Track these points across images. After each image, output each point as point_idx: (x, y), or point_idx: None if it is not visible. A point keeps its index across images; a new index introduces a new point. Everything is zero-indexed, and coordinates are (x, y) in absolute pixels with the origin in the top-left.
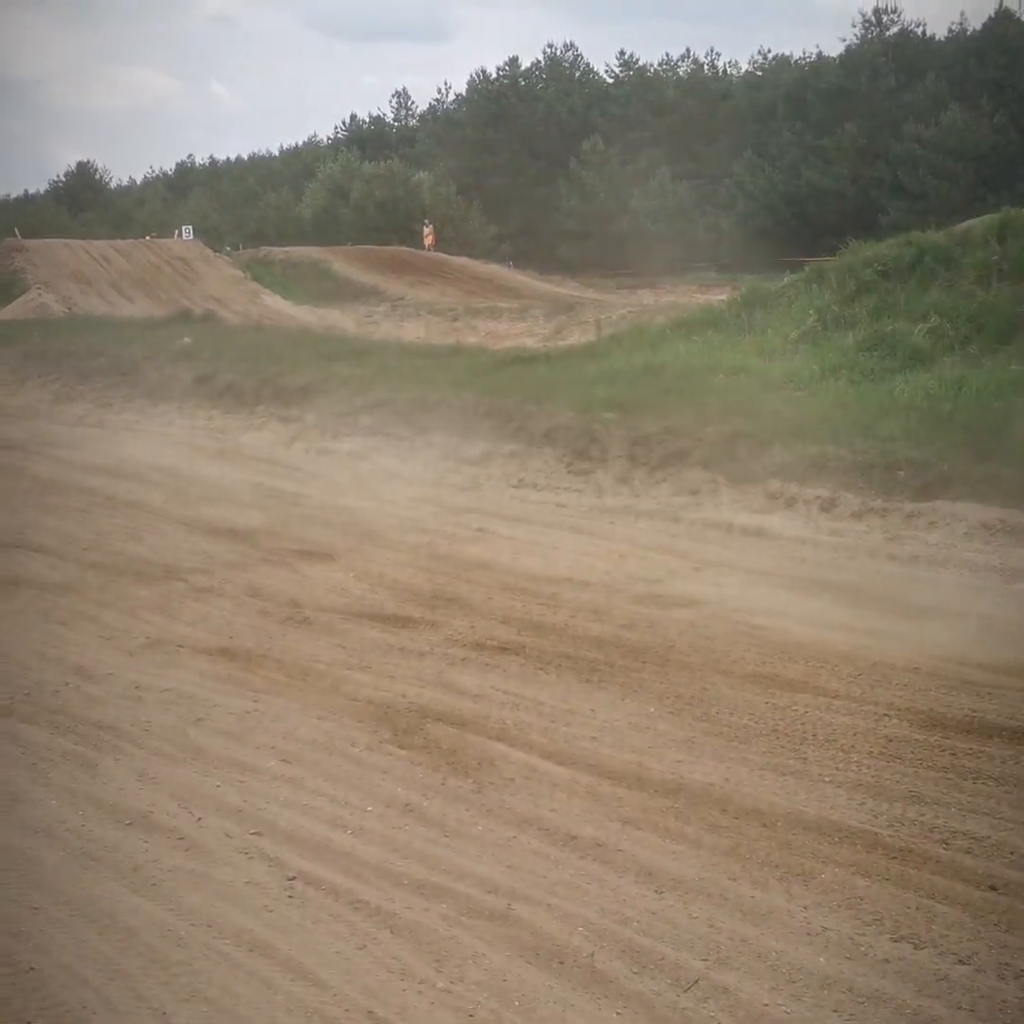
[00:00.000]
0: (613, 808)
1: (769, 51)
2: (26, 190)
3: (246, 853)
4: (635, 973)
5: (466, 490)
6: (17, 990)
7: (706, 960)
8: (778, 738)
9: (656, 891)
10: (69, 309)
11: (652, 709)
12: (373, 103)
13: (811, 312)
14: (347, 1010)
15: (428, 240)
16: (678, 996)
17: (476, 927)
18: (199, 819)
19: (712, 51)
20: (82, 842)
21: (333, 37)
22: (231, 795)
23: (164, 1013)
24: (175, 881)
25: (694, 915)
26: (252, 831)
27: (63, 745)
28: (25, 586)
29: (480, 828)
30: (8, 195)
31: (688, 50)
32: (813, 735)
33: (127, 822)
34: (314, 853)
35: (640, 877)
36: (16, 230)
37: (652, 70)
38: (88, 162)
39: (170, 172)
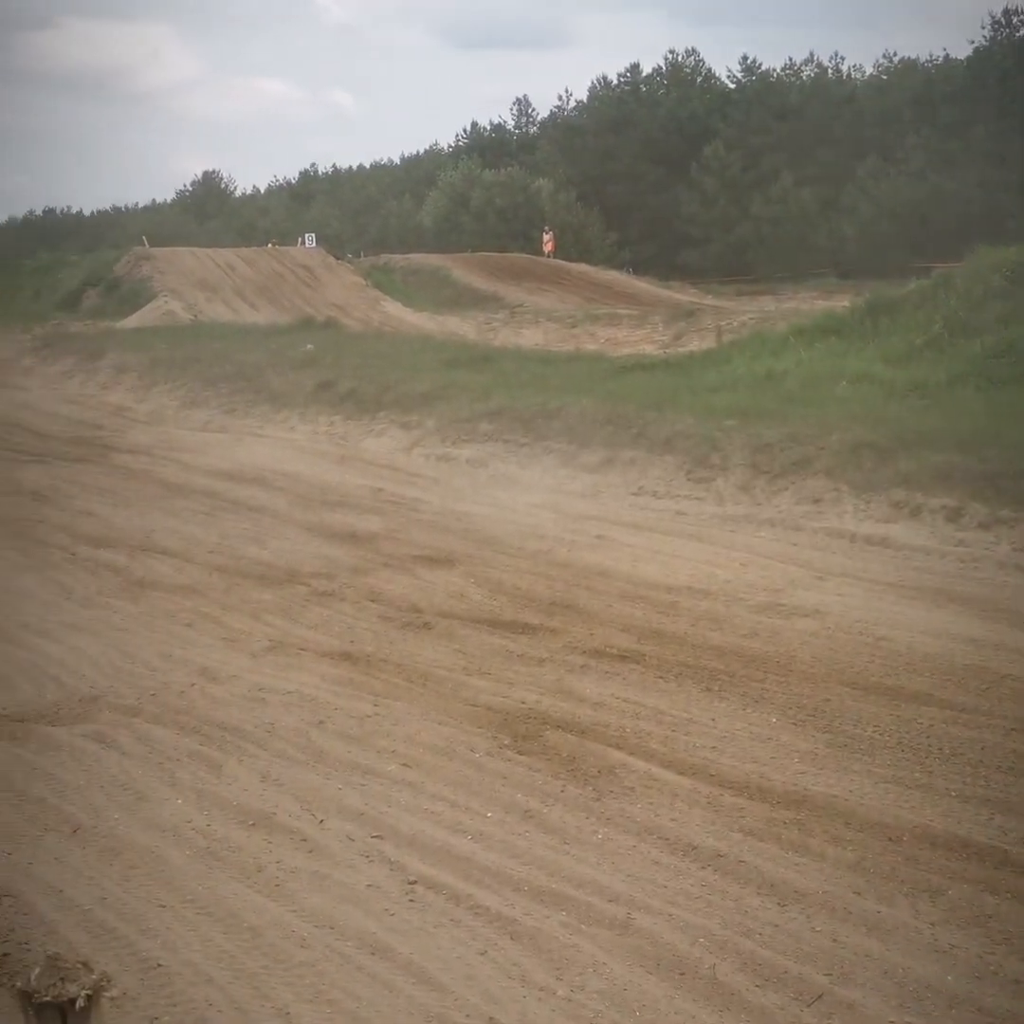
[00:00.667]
0: (735, 819)
1: (895, 54)
2: (154, 199)
3: (367, 856)
4: (757, 987)
5: (585, 497)
6: (145, 986)
7: (830, 975)
8: (903, 751)
9: (779, 904)
10: (195, 316)
11: (774, 720)
12: (494, 111)
13: (937, 319)
14: (468, 1016)
15: (547, 247)
16: (801, 1011)
17: (597, 936)
18: (321, 821)
19: (836, 55)
20: (207, 841)
21: (455, 46)
22: (352, 798)
23: (288, 1013)
24: (298, 882)
25: (817, 929)
26: (373, 834)
27: (189, 745)
28: (151, 588)
29: (600, 836)
30: (136, 204)
31: (812, 54)
32: (939, 749)
33: (251, 823)
34: (434, 858)
35: (762, 889)
36: (144, 238)
37: (775, 75)
38: (214, 171)
39: (293, 180)
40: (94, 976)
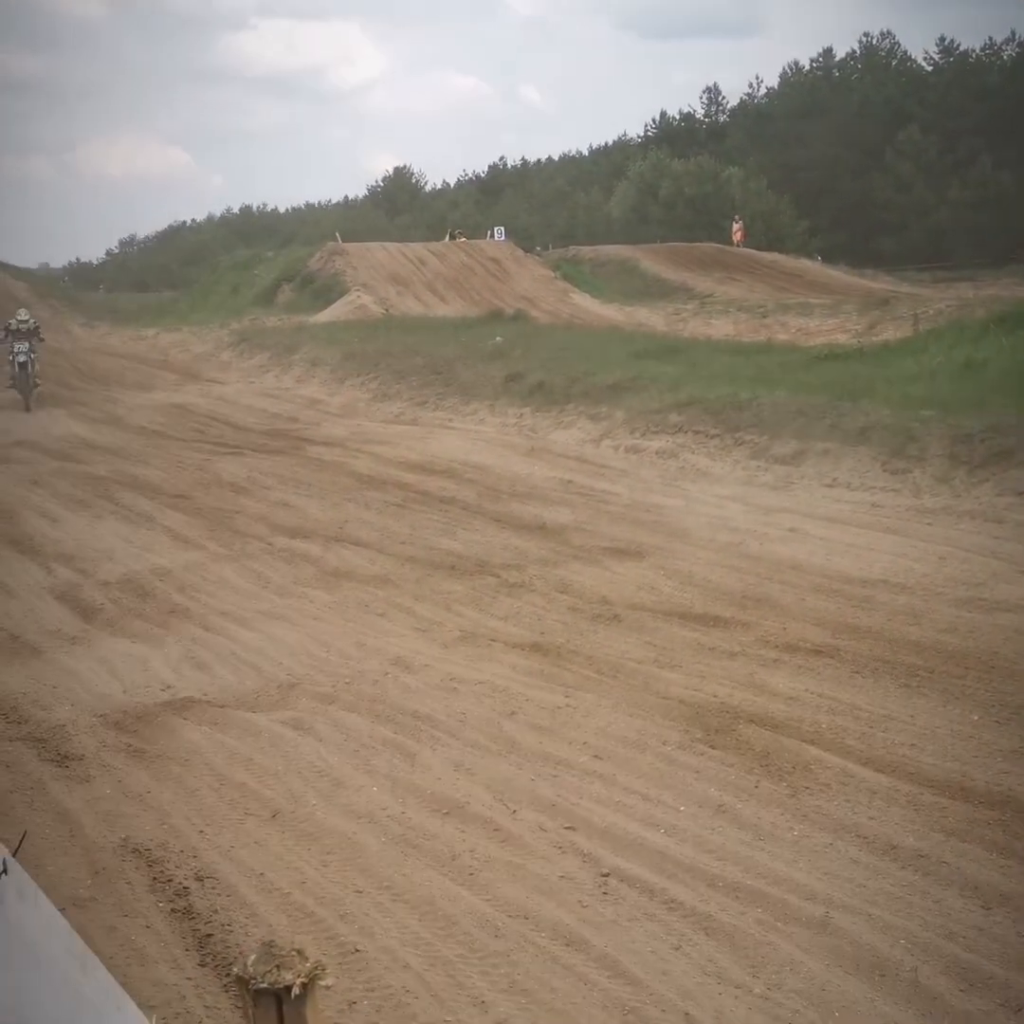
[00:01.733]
0: (936, 818)
1: None
2: (346, 195)
3: (560, 847)
4: (962, 991)
5: (777, 489)
6: (343, 970)
7: None
8: None
9: (983, 906)
10: (386, 310)
11: (976, 717)
12: (683, 100)
13: None
14: (663, 1011)
15: (737, 236)
16: (1007, 1018)
17: (793, 934)
18: (514, 812)
19: None
20: (402, 829)
21: (643, 36)
22: (544, 789)
23: (483, 1001)
24: (492, 872)
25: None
26: (566, 826)
27: (383, 733)
28: (346, 578)
29: (795, 833)
30: (329, 200)
31: (1013, 32)
32: None
33: (445, 811)
34: (627, 850)
35: (965, 891)
36: (337, 234)
37: (974, 55)
38: (404, 167)
39: (482, 174)
40: (310, 964)
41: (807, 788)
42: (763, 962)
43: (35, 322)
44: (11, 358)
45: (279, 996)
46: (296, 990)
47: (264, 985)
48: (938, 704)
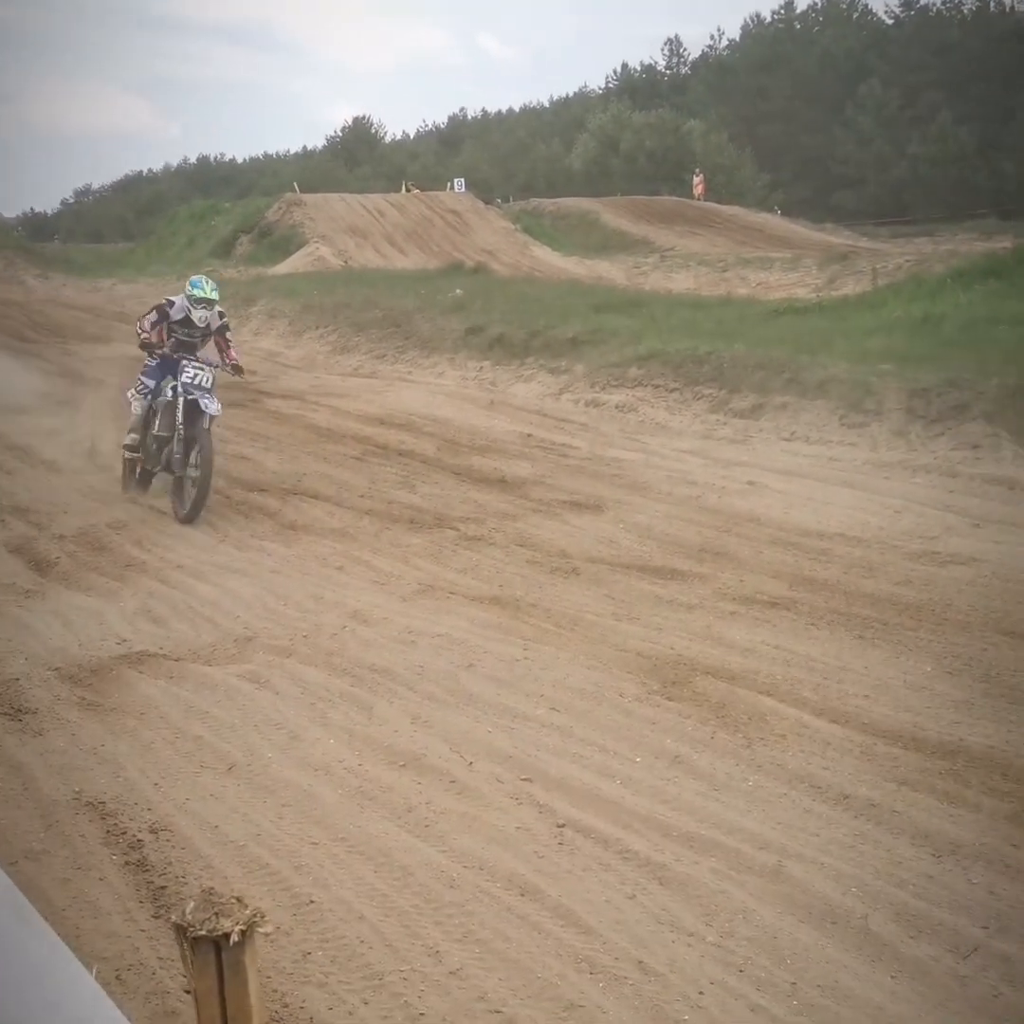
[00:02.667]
0: (888, 768)
1: None
2: (304, 146)
3: (516, 799)
4: (911, 938)
5: (736, 443)
6: (298, 921)
7: (986, 928)
8: None
9: (933, 855)
10: (345, 262)
11: (929, 668)
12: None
13: None
14: (617, 959)
15: (698, 189)
16: (957, 963)
17: (746, 882)
18: (470, 763)
19: None
20: (359, 781)
21: None
22: (501, 741)
23: (437, 951)
24: (448, 823)
25: (973, 881)
26: (522, 777)
27: (340, 686)
28: (304, 531)
29: (750, 783)
30: (288, 151)
31: None
32: None
33: (401, 763)
34: (583, 801)
35: (916, 840)
36: (295, 185)
37: (934, 9)
38: (364, 117)
39: (443, 126)
40: (248, 911)
41: (762, 739)
42: (716, 910)
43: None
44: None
45: (218, 943)
46: (234, 937)
47: (202, 932)
48: (891, 656)
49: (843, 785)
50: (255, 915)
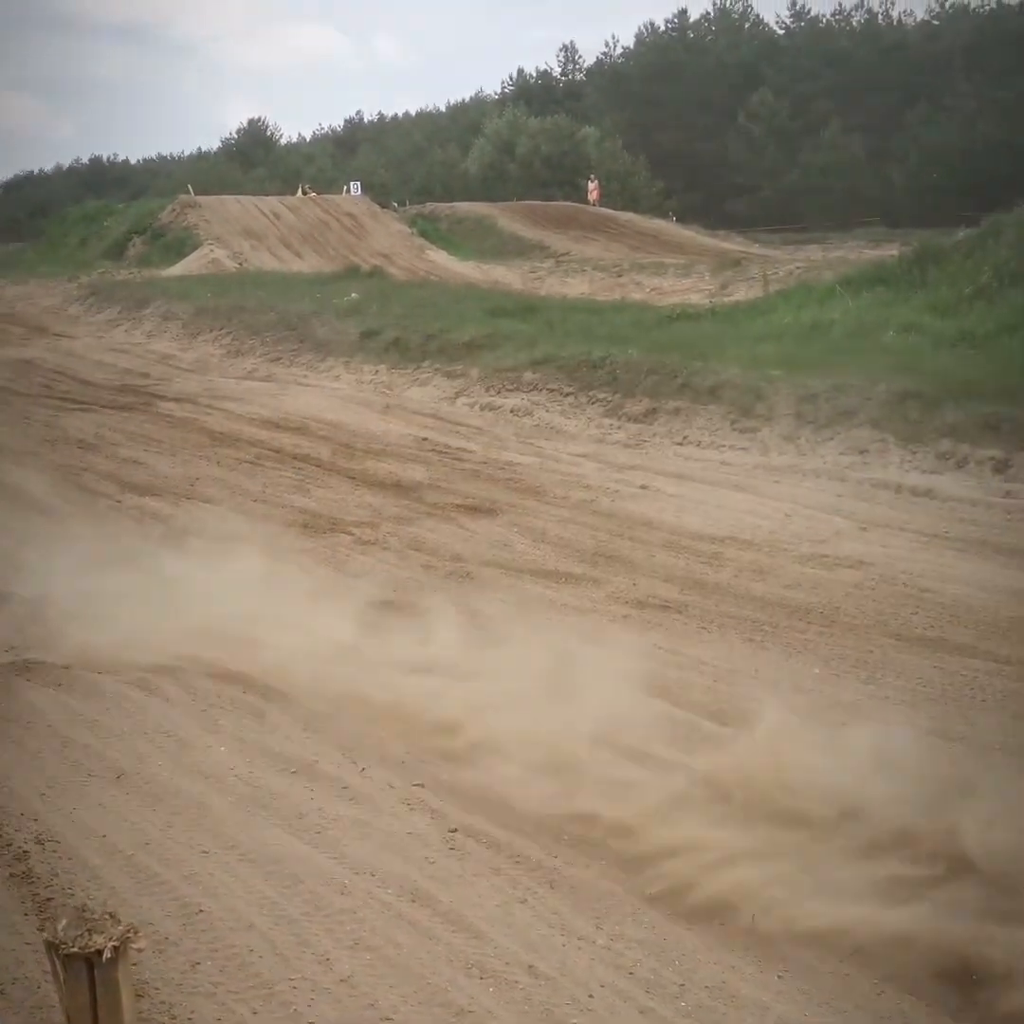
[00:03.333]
0: None
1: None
2: (199, 147)
3: (408, 804)
4: (795, 937)
5: (629, 447)
6: (187, 931)
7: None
8: (947, 703)
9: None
10: (240, 264)
11: (817, 671)
12: (540, 57)
13: (986, 268)
14: (507, 964)
15: (593, 195)
16: (840, 962)
17: (635, 885)
18: (363, 769)
19: (887, 0)
20: (249, 789)
21: None
22: (393, 746)
23: (328, 959)
24: (339, 830)
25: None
26: (414, 782)
27: (231, 693)
28: (196, 537)
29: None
30: (182, 152)
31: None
32: (982, 701)
33: (293, 770)
34: (474, 806)
35: None
36: (189, 187)
37: (824, 20)
38: (259, 119)
39: (339, 129)
40: (122, 927)
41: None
42: (606, 914)
43: None
44: None
45: (90, 960)
46: (107, 954)
47: (74, 950)
48: (781, 658)
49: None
50: (128, 931)
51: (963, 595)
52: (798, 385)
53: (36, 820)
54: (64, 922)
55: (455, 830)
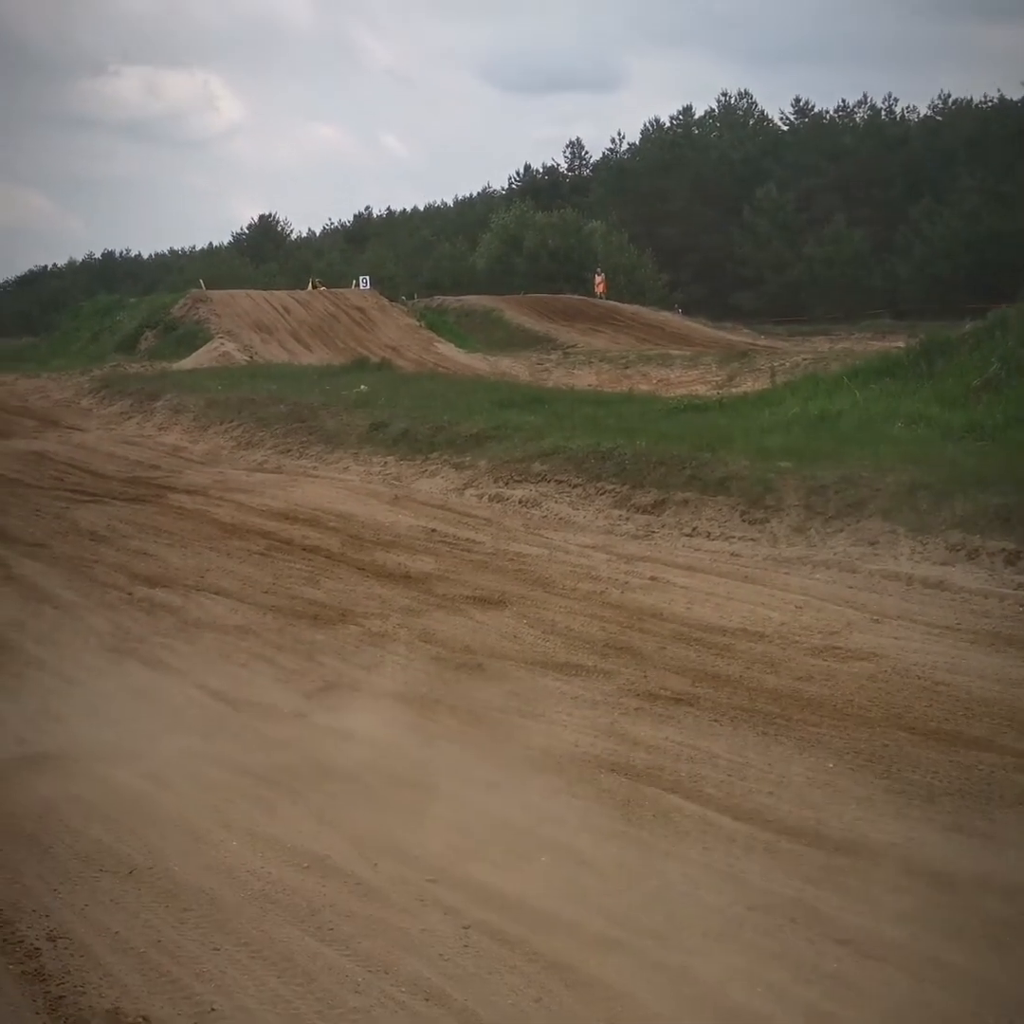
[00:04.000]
0: (792, 865)
1: (949, 95)
2: (210, 242)
3: (421, 900)
4: None
5: (639, 538)
6: None
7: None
8: (964, 798)
9: (837, 954)
10: (250, 357)
11: (831, 765)
12: (547, 153)
13: (993, 360)
14: None
15: (599, 288)
16: None
17: (653, 983)
18: (375, 864)
19: (890, 96)
20: (261, 884)
21: (506, 89)
22: (406, 841)
23: None
24: (352, 926)
25: (878, 980)
26: (428, 878)
27: (243, 785)
28: (207, 628)
29: (655, 882)
30: (193, 247)
31: (865, 95)
32: (1000, 796)
33: (305, 865)
34: (489, 902)
35: (821, 938)
36: (201, 281)
37: (827, 116)
38: (270, 215)
39: (348, 223)
40: None
41: (667, 837)
42: (622, 1014)
43: None
44: None
45: None
46: None
47: None
48: (794, 752)
49: (747, 883)
50: None
51: (977, 688)
52: (807, 476)
53: (48, 916)
54: None
55: (468, 926)
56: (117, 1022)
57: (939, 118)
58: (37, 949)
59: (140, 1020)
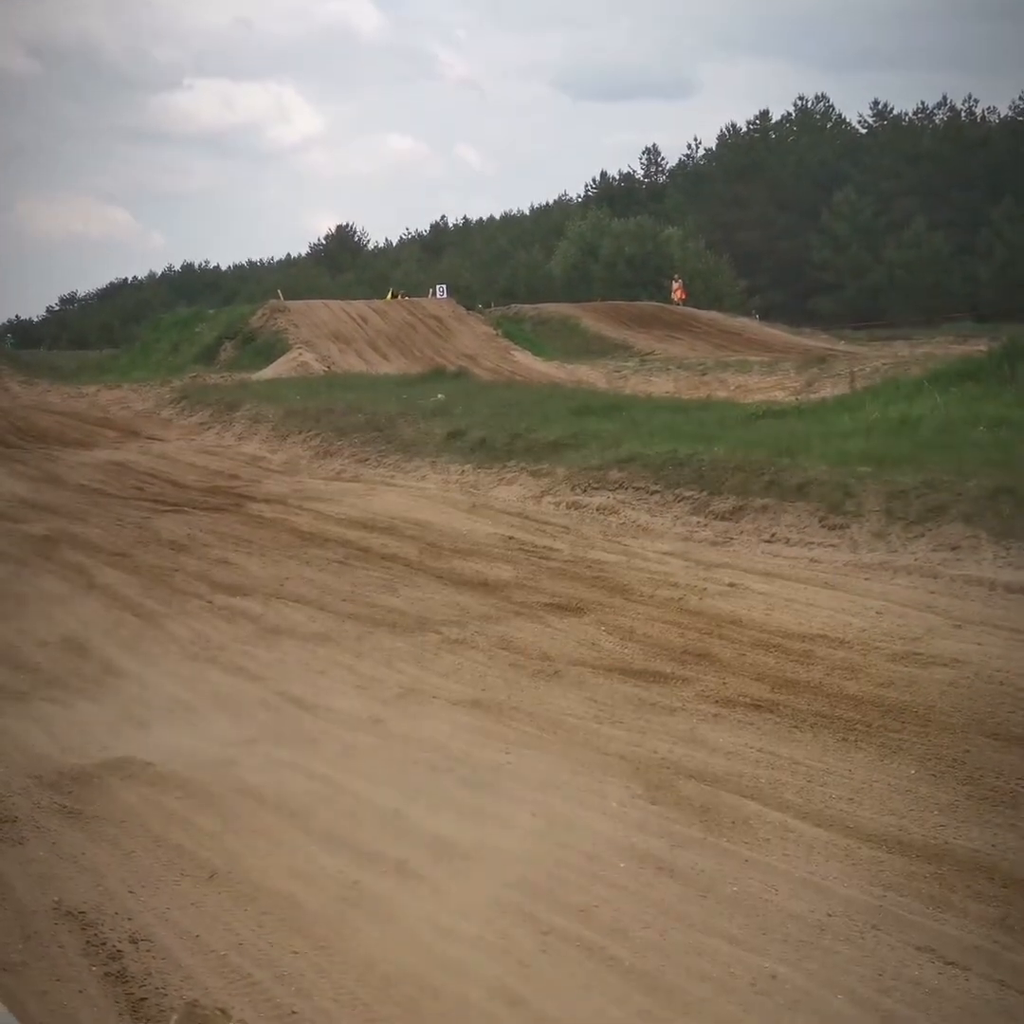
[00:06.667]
0: (873, 872)
1: None
2: (288, 253)
3: (499, 905)
4: None
5: (717, 544)
6: None
7: None
8: None
9: (920, 961)
10: (329, 367)
11: (913, 771)
12: (621, 160)
13: None
14: None
15: (677, 294)
16: None
17: (737, 991)
18: (453, 870)
19: (970, 97)
20: (340, 888)
21: (580, 97)
22: (484, 846)
23: None
24: (431, 933)
25: (960, 987)
26: (505, 883)
27: (321, 791)
28: (286, 636)
29: (735, 889)
30: (272, 258)
31: (945, 97)
32: None
33: (383, 870)
34: (567, 908)
35: (903, 946)
36: (279, 292)
37: (906, 119)
38: (347, 225)
39: (425, 233)
40: (233, 1022)
41: (746, 843)
42: (703, 1020)
43: None
44: None
45: None
46: None
47: None
48: (875, 758)
49: (828, 889)
50: None
51: None
52: (887, 481)
53: (130, 919)
54: (176, 1017)
55: (547, 932)
56: (195, 1014)
57: (1020, 119)
58: (119, 951)
59: (217, 1012)
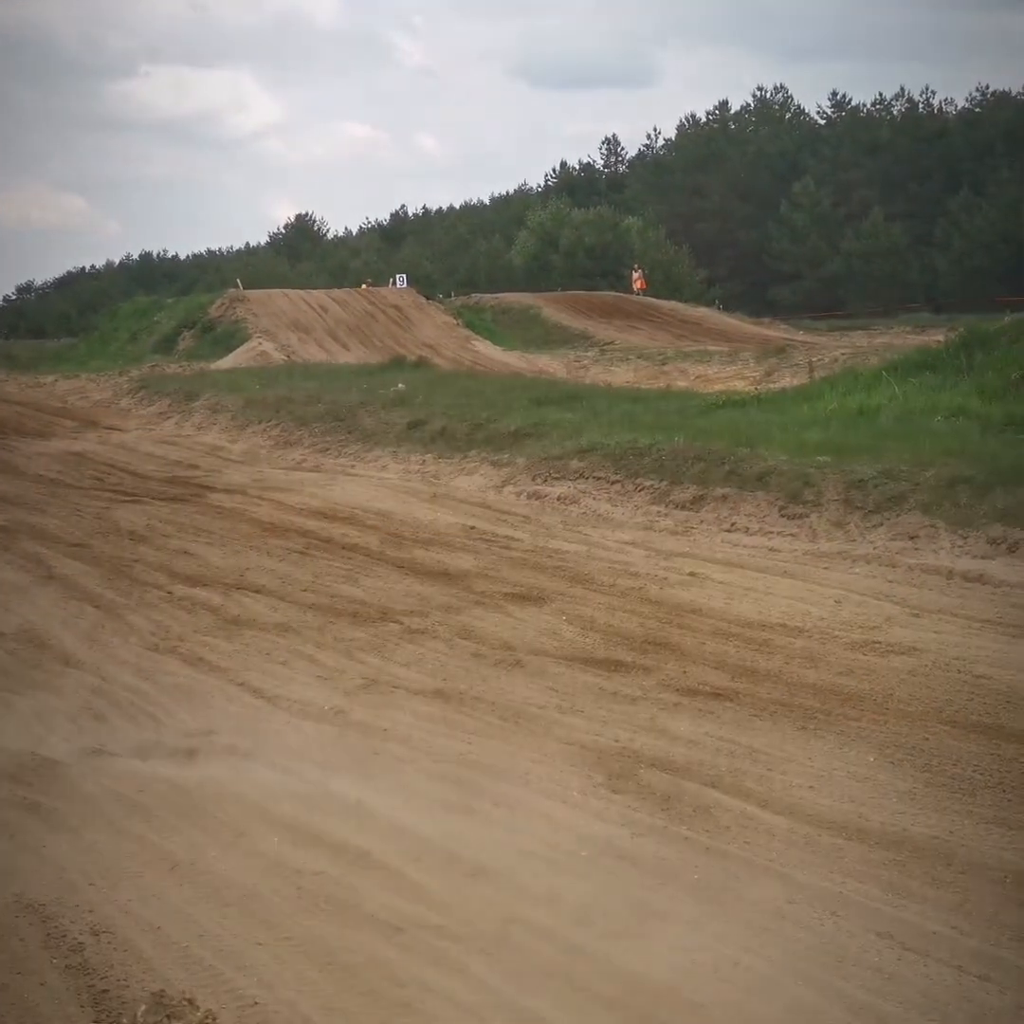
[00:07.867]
0: (832, 859)
1: (987, 87)
2: (247, 242)
3: (462, 894)
4: None
5: (677, 534)
6: (241, 1023)
7: (933, 1021)
8: (1005, 791)
9: (878, 947)
10: (288, 357)
11: (872, 759)
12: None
13: None
14: None
15: (637, 284)
16: None
17: (695, 979)
18: (416, 859)
19: (927, 89)
20: (303, 878)
21: (538, 86)
22: (445, 836)
23: None
24: (394, 920)
25: (919, 972)
26: (466, 872)
27: (283, 782)
28: (247, 626)
29: (696, 877)
30: (230, 247)
31: (902, 89)
32: None
33: (346, 861)
34: (530, 897)
35: (862, 931)
36: (238, 281)
37: (865, 110)
38: (306, 214)
39: (384, 222)
40: (200, 1013)
41: (707, 831)
42: (663, 1006)
43: None
44: None
45: None
46: None
47: None
48: (835, 746)
49: (787, 876)
50: (206, 1017)
51: (1018, 682)
52: (846, 471)
53: (91, 911)
54: (143, 1007)
55: (511, 922)
56: (161, 1004)
57: (977, 110)
58: (81, 943)
59: (184, 1002)
